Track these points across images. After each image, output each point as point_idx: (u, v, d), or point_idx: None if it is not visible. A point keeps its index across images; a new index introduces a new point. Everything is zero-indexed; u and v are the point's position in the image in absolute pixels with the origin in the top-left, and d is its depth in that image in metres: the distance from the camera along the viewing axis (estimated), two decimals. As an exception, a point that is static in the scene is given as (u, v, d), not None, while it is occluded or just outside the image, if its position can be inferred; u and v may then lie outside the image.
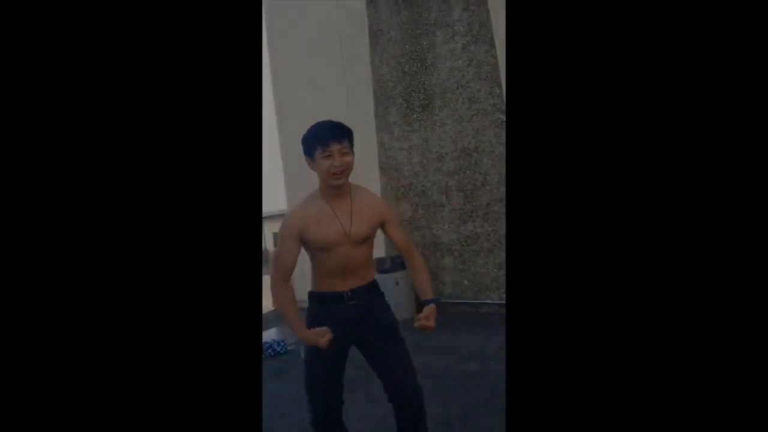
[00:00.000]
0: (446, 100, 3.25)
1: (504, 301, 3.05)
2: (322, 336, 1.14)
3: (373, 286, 1.29)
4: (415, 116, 3.39)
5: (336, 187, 1.20)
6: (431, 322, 1.20)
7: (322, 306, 1.25)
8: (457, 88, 3.20)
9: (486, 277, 3.14)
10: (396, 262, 3.09)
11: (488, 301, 3.12)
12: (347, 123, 1.25)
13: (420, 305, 1.32)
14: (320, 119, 1.23)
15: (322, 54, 3.64)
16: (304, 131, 1.22)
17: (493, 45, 2.99)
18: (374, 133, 3.52)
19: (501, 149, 3.04)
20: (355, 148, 1.25)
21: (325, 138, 1.15)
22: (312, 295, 1.29)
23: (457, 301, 3.22)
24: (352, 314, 1.23)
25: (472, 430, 1.69)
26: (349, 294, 1.23)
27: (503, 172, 3.05)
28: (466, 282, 3.22)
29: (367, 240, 1.25)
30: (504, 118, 2.99)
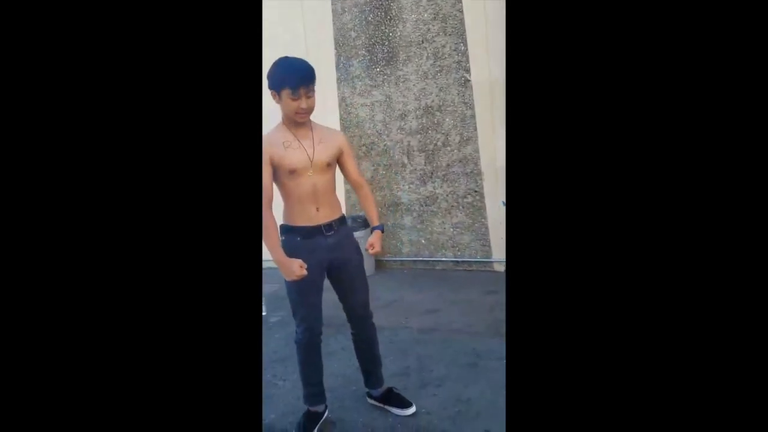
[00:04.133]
0: (410, 55, 3.13)
1: (458, 259, 3.12)
2: (300, 266, 1.28)
3: (343, 221, 1.43)
4: (378, 70, 3.26)
5: (299, 123, 1.32)
6: (378, 247, 1.41)
7: (301, 238, 1.35)
8: (422, 42, 3.08)
9: (442, 236, 3.19)
10: (358, 222, 3.08)
11: (443, 259, 3.19)
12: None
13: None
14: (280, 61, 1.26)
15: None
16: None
17: (460, -2, 2.85)
18: (335, 86, 3.38)
19: (463, 109, 3.00)
20: (316, 101, 1.32)
21: (295, 83, 1.23)
22: (290, 229, 1.36)
23: (414, 258, 3.28)
24: (328, 245, 1.37)
25: (427, 379, 1.76)
26: (326, 228, 1.35)
27: (464, 132, 3.02)
28: (423, 241, 3.27)
29: (329, 167, 1.37)
30: (468, 77, 2.92)
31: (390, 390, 1.59)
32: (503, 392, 1.65)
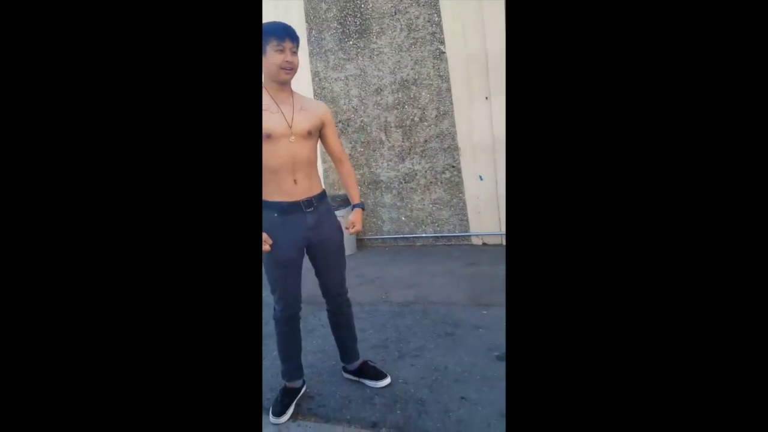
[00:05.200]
0: (383, 27, 3.05)
1: (437, 234, 3.14)
2: (265, 242, 1.24)
3: (323, 196, 1.38)
4: (351, 43, 3.17)
5: (282, 83, 1.26)
6: (359, 225, 1.39)
7: (278, 215, 1.30)
8: (395, 13, 2.99)
9: (422, 213, 3.19)
10: (337, 200, 3.05)
11: (423, 235, 3.20)
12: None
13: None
14: None
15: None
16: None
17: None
18: (308, 60, 3.28)
19: (439, 82, 2.95)
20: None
21: (281, 33, 1.20)
22: (266, 204, 1.31)
23: (395, 236, 3.28)
24: (308, 222, 1.32)
25: (405, 350, 1.78)
26: (305, 204, 1.30)
27: (441, 107, 2.98)
28: (403, 218, 3.26)
29: (310, 136, 1.31)
30: (443, 49, 2.87)
31: (365, 363, 1.60)
32: (479, 359, 1.68)
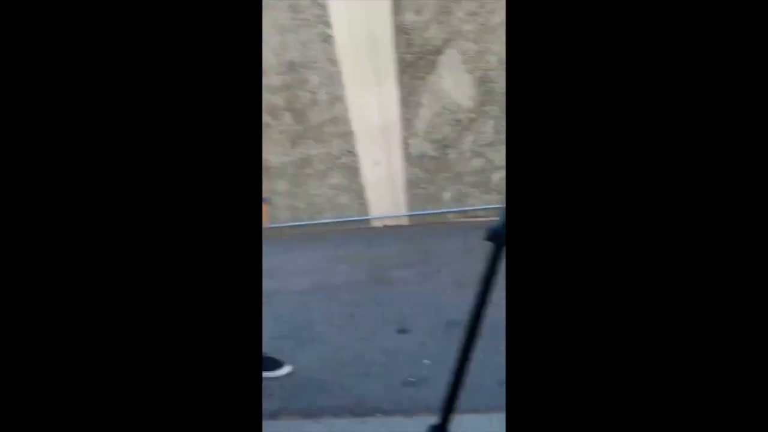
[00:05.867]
0: (264, 7, 2.87)
1: (337, 219, 3.16)
2: None
3: None
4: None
5: None
6: (265, 220, 1.35)
7: None
8: (278, -9, 2.84)
9: (320, 198, 3.16)
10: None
11: (323, 221, 3.19)
12: None
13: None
14: None
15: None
16: None
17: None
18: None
19: (329, 66, 2.91)
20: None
21: None
22: None
23: (293, 224, 3.20)
24: None
25: (307, 336, 1.75)
26: None
27: (333, 91, 2.95)
28: (301, 205, 3.19)
29: None
30: (330, 32, 2.82)
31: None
32: (378, 334, 1.75)
